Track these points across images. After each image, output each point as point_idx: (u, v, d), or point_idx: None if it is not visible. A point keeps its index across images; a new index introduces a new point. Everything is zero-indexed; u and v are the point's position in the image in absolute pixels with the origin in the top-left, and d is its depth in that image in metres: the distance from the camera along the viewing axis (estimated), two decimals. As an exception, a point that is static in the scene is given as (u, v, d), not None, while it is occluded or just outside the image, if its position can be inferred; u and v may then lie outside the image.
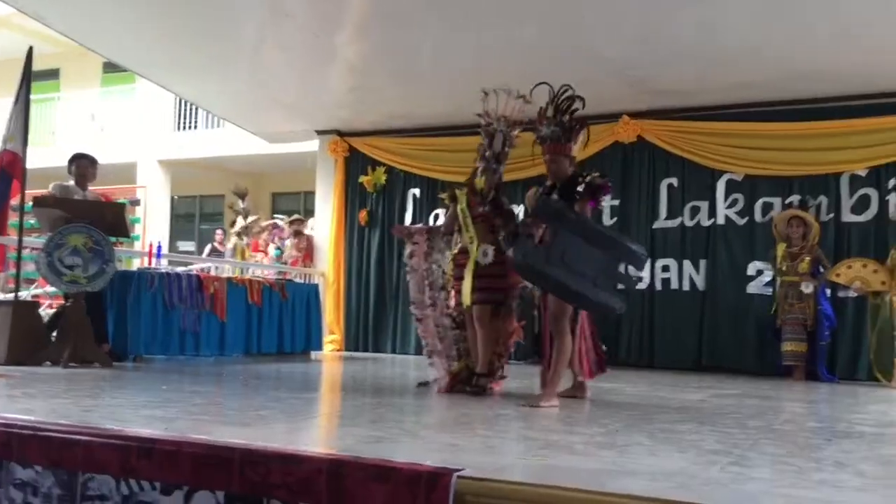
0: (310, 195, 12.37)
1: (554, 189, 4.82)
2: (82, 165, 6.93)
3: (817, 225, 7.77)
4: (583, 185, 4.62)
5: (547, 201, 4.67)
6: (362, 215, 10.33)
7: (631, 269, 6.97)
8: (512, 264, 4.61)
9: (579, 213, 4.59)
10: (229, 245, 12.05)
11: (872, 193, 7.98)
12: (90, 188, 7.08)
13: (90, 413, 3.56)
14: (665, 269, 8.74)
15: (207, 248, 13.40)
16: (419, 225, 5.81)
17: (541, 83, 4.80)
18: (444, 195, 5.66)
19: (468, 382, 5.12)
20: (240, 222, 11.34)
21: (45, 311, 8.02)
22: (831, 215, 8.09)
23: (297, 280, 9.97)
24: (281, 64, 8.44)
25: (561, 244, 4.38)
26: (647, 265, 8.73)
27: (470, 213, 5.11)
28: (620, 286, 4.83)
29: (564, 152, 4.77)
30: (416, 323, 5.41)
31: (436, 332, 5.24)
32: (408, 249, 5.35)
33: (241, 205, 11.43)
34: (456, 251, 5.30)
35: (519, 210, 9.28)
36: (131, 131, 16.54)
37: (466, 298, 4.99)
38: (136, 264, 9.88)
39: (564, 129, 4.75)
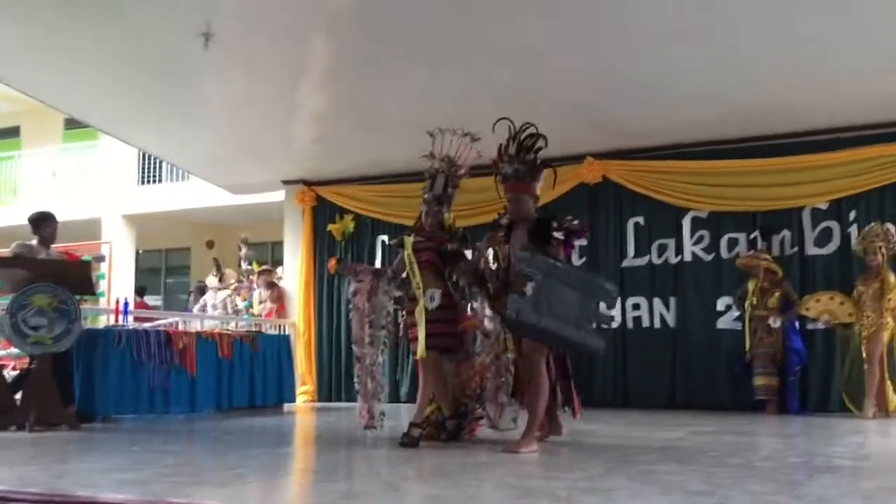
0: (277, 245, 12.32)
1: (511, 228, 4.77)
2: (54, 225, 6.83)
3: (780, 269, 7.84)
4: (560, 231, 4.59)
5: (535, 258, 4.49)
6: (331, 263, 10.26)
7: (603, 306, 6.96)
8: (508, 322, 4.55)
9: (555, 257, 4.56)
10: (216, 297, 12.01)
11: (834, 226, 8.12)
12: (52, 247, 6.96)
13: (60, 479, 3.46)
14: (636, 307, 8.79)
15: (200, 300, 13.06)
16: (365, 265, 5.69)
17: (502, 119, 4.74)
18: (393, 241, 5.67)
19: (442, 428, 5.08)
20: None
21: (9, 373, 7.82)
22: (795, 249, 8.22)
23: (269, 331, 9.86)
24: (245, 116, 8.43)
25: (546, 292, 4.33)
26: (619, 304, 8.77)
27: (416, 259, 5.01)
28: (599, 325, 4.82)
29: (528, 191, 4.72)
30: (354, 361, 5.32)
31: (369, 371, 5.17)
32: (352, 287, 5.30)
33: (243, 252, 11.67)
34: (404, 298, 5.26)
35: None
36: (94, 187, 16.40)
37: (421, 349, 4.84)
38: (102, 321, 9.71)
39: (529, 167, 4.70)
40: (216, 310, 11.78)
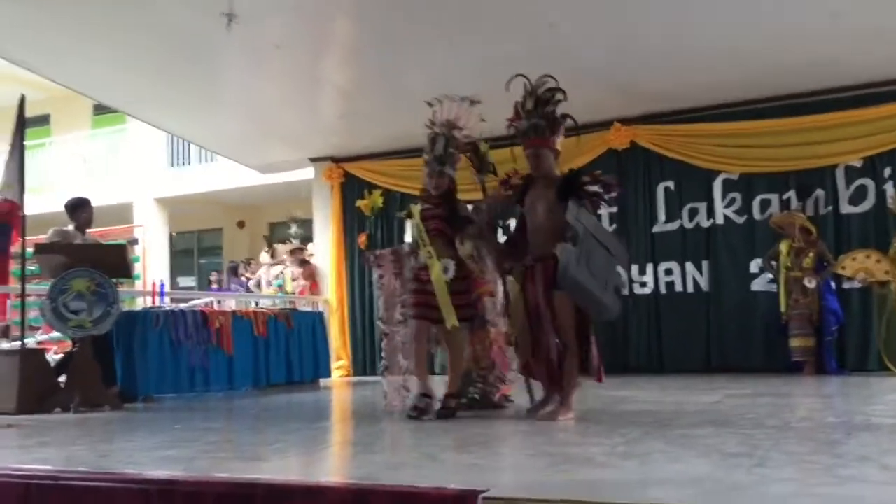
0: (307, 222, 12.38)
1: (527, 187, 4.58)
2: (89, 211, 6.95)
3: (815, 228, 7.76)
4: (595, 185, 4.43)
5: (581, 211, 4.31)
6: (362, 239, 10.33)
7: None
8: (563, 284, 4.26)
9: (590, 213, 4.41)
10: (270, 273, 12.24)
11: (869, 184, 8.00)
12: (88, 231, 7.08)
13: (106, 458, 3.53)
14: (668, 272, 8.75)
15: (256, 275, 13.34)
16: (384, 250, 5.60)
17: (517, 76, 4.54)
18: (401, 213, 5.56)
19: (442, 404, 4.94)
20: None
21: (52, 357, 7.98)
22: (829, 208, 8.11)
23: (302, 308, 9.95)
24: (271, 95, 8.47)
25: (586, 249, 4.19)
26: (651, 269, 8.75)
27: (425, 227, 4.87)
28: (618, 289, 4.56)
29: (549, 145, 4.51)
30: (382, 338, 5.34)
31: (400, 349, 5.14)
32: (376, 274, 5.30)
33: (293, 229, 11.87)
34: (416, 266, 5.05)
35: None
36: (125, 171, 16.57)
37: (453, 319, 4.71)
38: (139, 304, 9.86)
39: (548, 120, 4.49)
40: (270, 286, 12.06)
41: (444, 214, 4.87)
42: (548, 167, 4.54)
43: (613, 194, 4.54)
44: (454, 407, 4.82)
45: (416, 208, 4.98)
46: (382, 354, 5.31)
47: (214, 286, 14.88)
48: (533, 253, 4.53)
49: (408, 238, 9.85)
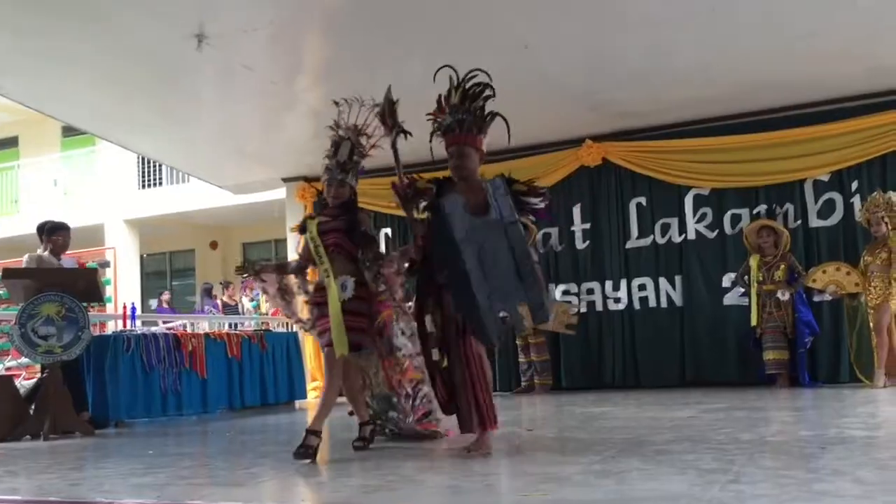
0: (280, 242, 12.34)
1: (442, 191, 4.07)
2: (65, 236, 6.85)
3: (787, 232, 7.88)
4: (536, 196, 4.03)
5: (509, 196, 3.90)
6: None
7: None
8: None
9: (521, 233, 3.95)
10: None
11: (837, 197, 8.11)
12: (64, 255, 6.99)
13: (78, 487, 3.48)
14: (641, 287, 8.79)
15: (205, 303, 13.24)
16: (266, 262, 4.97)
17: (444, 66, 4.09)
18: (293, 228, 4.81)
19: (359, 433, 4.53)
20: None
21: (22, 384, 7.85)
22: (799, 222, 8.21)
23: (277, 329, 9.88)
24: (242, 115, 8.43)
25: (493, 243, 3.81)
26: (624, 285, 8.79)
27: (322, 242, 4.36)
28: (505, 317, 3.90)
29: (475, 144, 4.03)
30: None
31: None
32: (259, 288, 4.87)
33: None
34: (312, 289, 4.60)
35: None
36: (95, 193, 16.43)
37: (343, 346, 4.17)
38: (110, 327, 9.74)
39: (475, 117, 4.04)
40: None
41: (344, 227, 4.40)
42: (472, 167, 4.05)
43: (543, 206, 4.09)
44: (369, 437, 4.49)
45: (313, 222, 4.47)
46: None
47: (165, 306, 14.77)
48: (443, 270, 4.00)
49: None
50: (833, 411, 5.39)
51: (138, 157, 15.41)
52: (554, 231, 9.18)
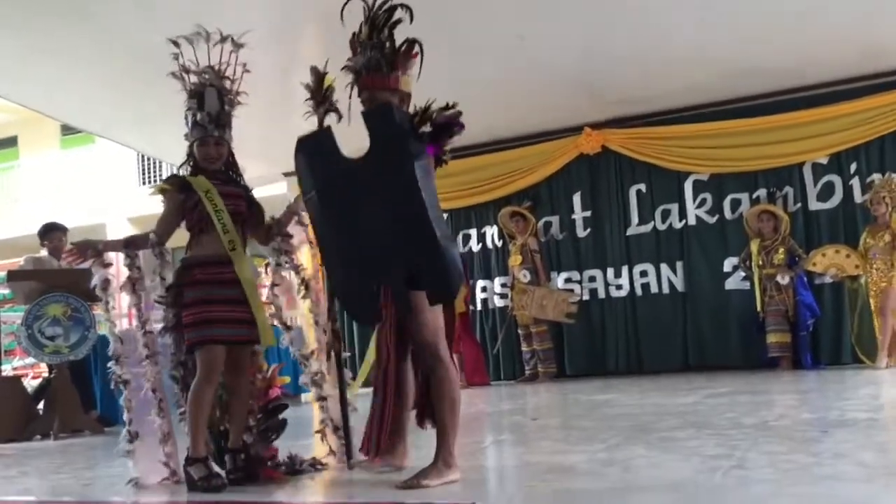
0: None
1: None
2: (56, 238, 6.89)
3: (787, 216, 7.90)
4: (424, 124, 3.12)
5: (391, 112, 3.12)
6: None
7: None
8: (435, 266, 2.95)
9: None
10: None
11: (836, 180, 8.12)
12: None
13: (91, 486, 3.52)
14: (643, 274, 8.82)
15: None
16: (110, 241, 3.81)
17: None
18: (161, 184, 3.68)
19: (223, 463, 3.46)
20: None
21: (30, 384, 7.91)
22: (798, 205, 8.23)
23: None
24: (242, 110, 8.42)
25: (368, 181, 3.07)
26: (626, 271, 8.82)
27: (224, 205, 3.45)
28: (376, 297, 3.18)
29: (386, 85, 3.20)
30: (120, 388, 3.55)
31: (154, 401, 3.48)
32: (97, 278, 3.57)
33: None
34: (187, 261, 3.48)
35: (492, 231, 9.44)
36: (96, 191, 16.45)
37: (269, 336, 3.52)
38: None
39: (384, 52, 3.22)
40: None
41: (245, 194, 3.66)
42: None
43: (453, 136, 3.20)
44: (242, 466, 3.43)
45: (201, 179, 3.52)
46: (126, 416, 3.53)
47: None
48: None
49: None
50: (835, 394, 5.43)
51: (138, 155, 15.41)
52: (555, 219, 9.21)
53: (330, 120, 3.57)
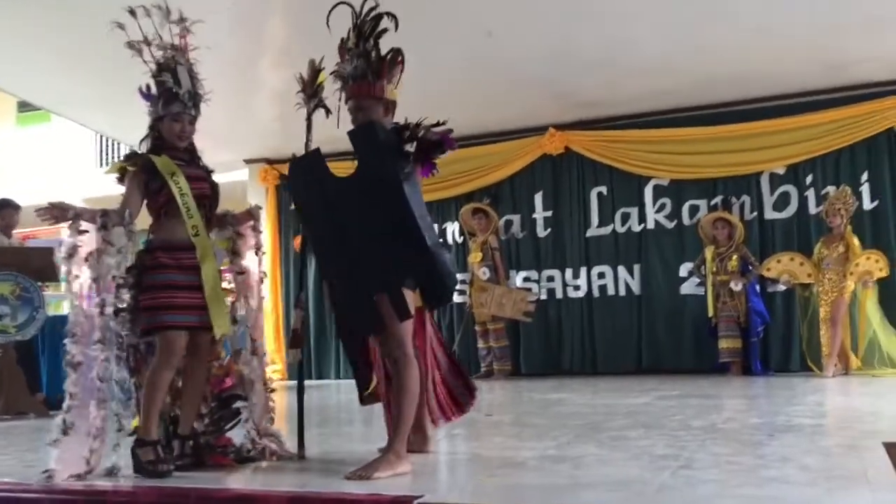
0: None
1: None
2: (7, 215, 6.74)
3: (741, 224, 8.02)
4: (411, 143, 3.11)
5: (373, 129, 3.14)
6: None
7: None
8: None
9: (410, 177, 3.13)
10: None
11: (792, 190, 8.27)
12: (14, 234, 6.88)
13: (33, 468, 3.44)
14: (601, 275, 8.90)
15: None
16: (84, 209, 3.33)
17: (340, 3, 3.35)
18: (121, 162, 3.53)
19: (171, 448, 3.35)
20: None
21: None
22: (754, 213, 8.36)
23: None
24: (204, 96, 8.33)
25: (348, 205, 3.12)
26: (584, 273, 8.88)
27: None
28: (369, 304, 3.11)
29: (372, 94, 3.22)
30: (67, 369, 3.30)
31: (95, 390, 3.20)
32: (65, 245, 3.30)
33: None
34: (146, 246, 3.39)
35: (453, 228, 9.45)
36: (52, 170, 16.11)
37: (225, 324, 3.40)
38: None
39: (370, 61, 3.24)
40: None
41: (208, 178, 3.57)
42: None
43: (444, 154, 3.24)
44: (191, 454, 3.37)
45: (165, 158, 3.41)
46: (66, 403, 3.22)
47: None
48: None
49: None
50: (783, 399, 5.53)
51: (96, 135, 15.14)
52: (516, 218, 9.25)
53: (318, 115, 3.65)
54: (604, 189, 8.98)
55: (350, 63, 3.28)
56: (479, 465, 3.25)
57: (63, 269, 3.32)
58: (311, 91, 3.69)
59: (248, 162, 10.54)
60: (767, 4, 6.41)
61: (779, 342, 8.12)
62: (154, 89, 3.54)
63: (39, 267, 6.40)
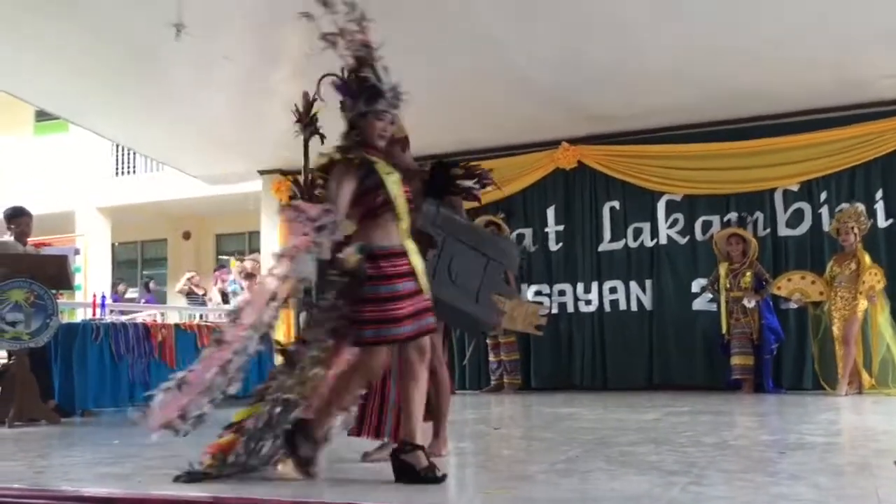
0: (255, 234, 12.28)
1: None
2: (23, 223, 6.78)
3: (755, 241, 7.99)
4: (471, 179, 3.63)
5: (440, 212, 3.59)
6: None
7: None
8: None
9: (458, 211, 3.71)
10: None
11: (806, 207, 8.23)
12: (28, 241, 6.93)
13: (43, 474, 3.48)
14: (612, 290, 8.87)
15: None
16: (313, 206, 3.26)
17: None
18: (324, 154, 3.44)
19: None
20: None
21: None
22: (768, 230, 8.33)
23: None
24: (219, 105, 8.39)
25: (448, 256, 3.60)
26: (595, 287, 8.86)
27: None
28: (501, 298, 3.92)
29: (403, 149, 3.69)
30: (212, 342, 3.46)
31: (222, 360, 3.40)
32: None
33: None
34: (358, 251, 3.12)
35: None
36: (68, 179, 16.24)
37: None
38: (79, 315, 9.66)
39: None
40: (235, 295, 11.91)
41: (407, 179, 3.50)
42: (402, 131, 3.73)
43: (487, 186, 3.69)
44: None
45: (384, 163, 3.33)
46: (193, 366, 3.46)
47: (151, 295, 14.75)
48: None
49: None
50: (795, 417, 5.49)
51: (113, 144, 15.26)
52: (528, 232, 9.25)
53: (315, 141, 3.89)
54: (616, 204, 8.96)
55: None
56: (487, 478, 3.25)
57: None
58: (306, 120, 3.89)
59: (261, 173, 10.57)
60: (783, 19, 6.39)
61: (792, 360, 8.06)
62: (349, 85, 3.40)
63: (53, 274, 6.45)
